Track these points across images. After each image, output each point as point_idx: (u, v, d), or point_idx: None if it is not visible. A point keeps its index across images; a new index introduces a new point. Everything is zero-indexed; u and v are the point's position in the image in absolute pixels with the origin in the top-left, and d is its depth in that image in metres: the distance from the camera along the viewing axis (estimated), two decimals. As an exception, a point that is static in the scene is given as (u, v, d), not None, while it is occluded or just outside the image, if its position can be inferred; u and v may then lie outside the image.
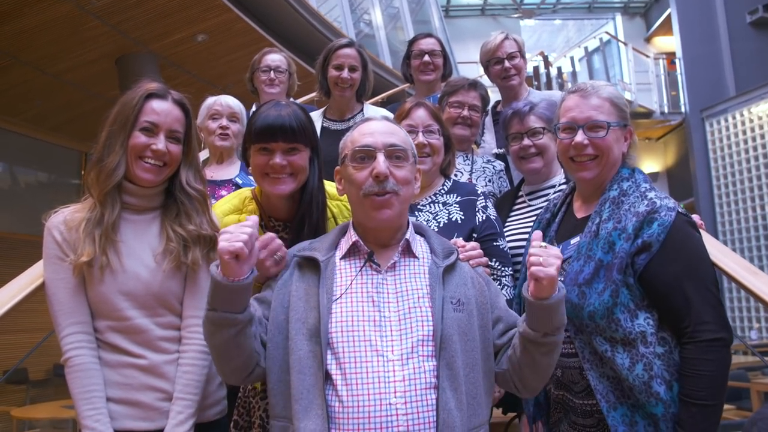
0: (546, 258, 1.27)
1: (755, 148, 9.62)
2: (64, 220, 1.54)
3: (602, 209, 1.61)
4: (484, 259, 1.62)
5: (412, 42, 3.07)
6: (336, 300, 1.36)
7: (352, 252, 1.45)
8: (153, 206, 1.61)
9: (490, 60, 2.77)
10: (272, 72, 3.08)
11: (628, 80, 12.00)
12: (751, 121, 9.71)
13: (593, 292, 1.52)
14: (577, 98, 1.68)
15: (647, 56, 12.21)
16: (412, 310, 1.35)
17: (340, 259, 1.44)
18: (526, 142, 2.16)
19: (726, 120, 10.21)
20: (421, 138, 1.97)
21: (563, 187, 2.16)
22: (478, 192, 1.99)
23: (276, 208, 1.73)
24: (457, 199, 1.97)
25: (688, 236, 1.52)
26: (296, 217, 1.69)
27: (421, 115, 2.01)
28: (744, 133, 9.84)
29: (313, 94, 3.14)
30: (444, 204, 1.97)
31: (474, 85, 2.46)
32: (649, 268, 1.50)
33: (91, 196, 1.55)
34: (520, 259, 1.97)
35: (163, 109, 1.56)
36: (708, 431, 1.41)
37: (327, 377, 1.30)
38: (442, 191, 2.00)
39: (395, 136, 1.45)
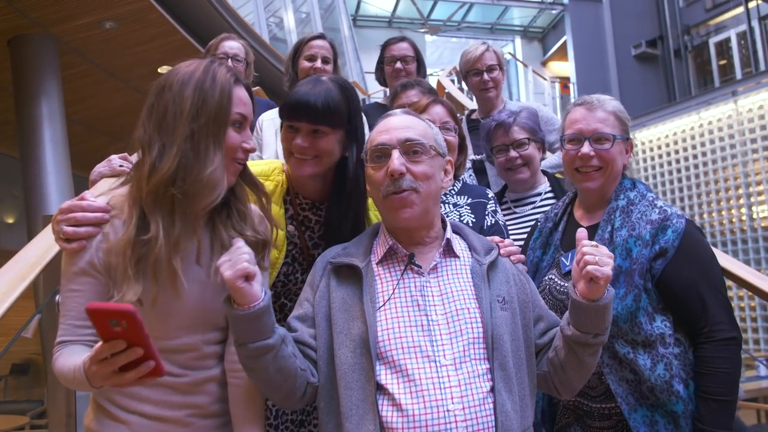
0: (600, 257, 1.24)
1: (638, 171, 10.45)
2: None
3: (612, 217, 1.65)
4: (522, 256, 1.59)
5: (384, 47, 2.98)
6: (380, 308, 1.29)
7: (388, 256, 1.38)
8: None
9: (470, 71, 2.77)
10: (230, 60, 2.86)
11: (525, 100, 12.63)
12: (635, 146, 10.55)
13: (615, 297, 1.54)
14: (583, 111, 1.71)
15: (544, 79, 12.95)
16: (460, 311, 1.29)
17: (377, 264, 1.37)
18: (513, 153, 2.18)
19: (612, 143, 11.02)
20: None
21: (549, 194, 2.19)
22: (489, 195, 1.97)
23: (304, 186, 1.64)
24: (468, 201, 1.93)
25: (699, 241, 1.60)
26: (333, 204, 1.59)
27: (438, 111, 1.95)
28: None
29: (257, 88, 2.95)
30: (454, 205, 1.93)
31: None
32: (665, 273, 1.55)
33: (147, 215, 1.21)
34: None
35: (245, 97, 1.29)
36: (727, 424, 1.47)
37: (378, 389, 1.23)
38: (453, 192, 1.97)
39: (412, 130, 1.37)
